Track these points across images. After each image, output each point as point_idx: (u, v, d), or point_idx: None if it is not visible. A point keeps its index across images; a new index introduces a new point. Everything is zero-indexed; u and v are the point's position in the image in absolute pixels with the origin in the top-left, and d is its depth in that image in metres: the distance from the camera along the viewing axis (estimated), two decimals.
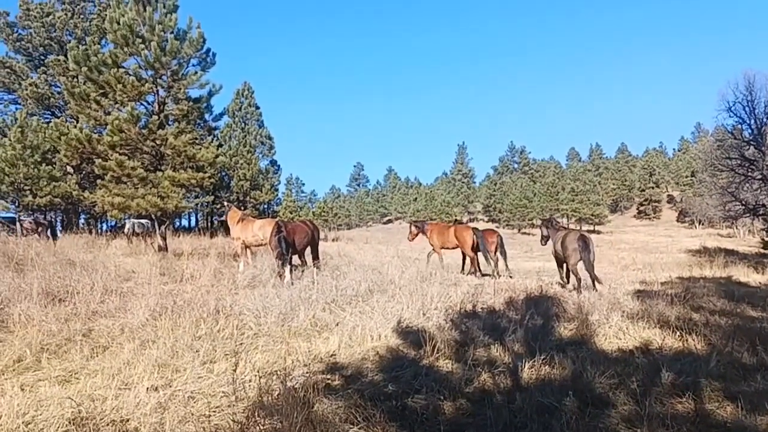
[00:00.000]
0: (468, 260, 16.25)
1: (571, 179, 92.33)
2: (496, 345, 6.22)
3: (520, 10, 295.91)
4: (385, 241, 40.94)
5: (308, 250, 13.78)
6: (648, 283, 12.50)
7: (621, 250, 38.20)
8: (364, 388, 4.80)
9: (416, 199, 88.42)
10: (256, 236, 13.90)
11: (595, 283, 11.20)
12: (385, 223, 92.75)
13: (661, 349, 6.27)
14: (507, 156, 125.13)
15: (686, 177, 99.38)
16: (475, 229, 16.09)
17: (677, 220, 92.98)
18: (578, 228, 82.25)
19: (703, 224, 79.94)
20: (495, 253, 16.06)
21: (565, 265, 12.27)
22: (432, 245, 17.11)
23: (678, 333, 6.78)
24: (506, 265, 15.52)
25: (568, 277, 12.32)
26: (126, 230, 23.22)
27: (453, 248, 16.69)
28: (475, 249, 15.62)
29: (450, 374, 5.26)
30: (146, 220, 23.02)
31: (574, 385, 4.80)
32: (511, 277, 14.21)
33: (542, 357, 5.49)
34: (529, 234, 74.30)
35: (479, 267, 15.67)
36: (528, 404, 4.37)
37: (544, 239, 13.59)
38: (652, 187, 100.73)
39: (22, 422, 3.88)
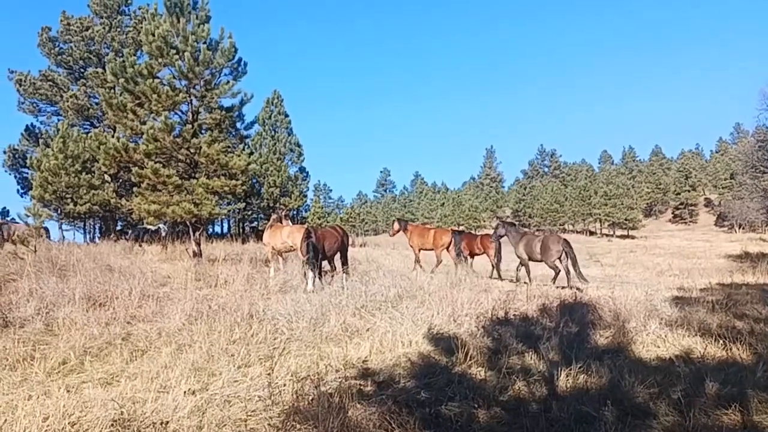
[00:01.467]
0: (452, 261, 17.31)
1: (604, 183, 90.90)
2: (530, 353, 6.18)
3: (551, 10, 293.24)
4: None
5: (338, 255, 13.89)
6: (686, 289, 12.23)
7: (656, 255, 37.44)
8: (397, 394, 4.82)
9: (443, 204, 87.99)
10: (285, 242, 14.12)
11: (581, 279, 12.86)
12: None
13: (703, 358, 6.12)
14: (537, 159, 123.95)
15: (725, 180, 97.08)
16: (454, 233, 17.30)
17: (715, 224, 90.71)
18: (613, 233, 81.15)
19: (743, 228, 77.76)
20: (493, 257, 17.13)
21: (527, 264, 14.08)
22: (411, 246, 18.04)
23: (721, 341, 6.61)
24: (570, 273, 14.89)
25: (529, 274, 14.12)
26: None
27: (430, 249, 17.78)
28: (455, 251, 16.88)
29: (483, 382, 5.23)
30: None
31: (613, 394, 4.74)
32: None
33: (578, 365, 5.41)
34: None
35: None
36: (565, 413, 4.34)
37: (498, 237, 15.14)
38: (688, 191, 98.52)
39: (68, 423, 4.02)
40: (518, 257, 14.62)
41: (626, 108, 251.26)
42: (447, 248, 17.08)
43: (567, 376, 5.26)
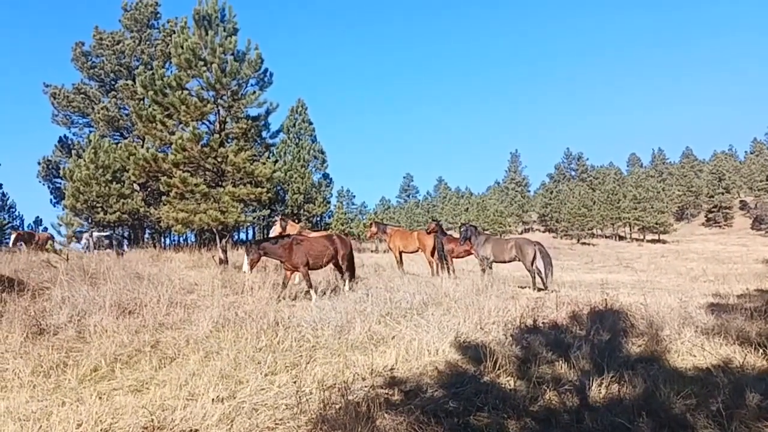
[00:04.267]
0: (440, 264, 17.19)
1: (633, 186, 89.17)
2: (561, 361, 6.06)
3: (579, 12, 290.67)
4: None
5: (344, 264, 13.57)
6: (722, 295, 11.85)
7: (689, 260, 36.70)
8: (425, 403, 4.78)
9: (468, 209, 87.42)
10: None
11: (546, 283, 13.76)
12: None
13: (742, 367, 5.90)
14: (563, 163, 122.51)
15: (761, 181, 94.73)
16: (436, 235, 17.21)
17: (752, 228, 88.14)
18: (643, 237, 79.86)
19: None
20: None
21: (489, 264, 14.66)
22: (391, 248, 18.14)
23: (761, 350, 6.38)
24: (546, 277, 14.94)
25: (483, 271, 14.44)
26: (83, 243, 22.10)
27: (413, 252, 18.04)
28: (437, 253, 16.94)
29: (513, 392, 5.15)
30: (110, 231, 23.31)
31: (647, 405, 4.62)
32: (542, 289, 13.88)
33: (611, 374, 5.30)
34: (589, 244, 72.46)
35: (439, 271, 16.52)
36: (598, 424, 4.26)
37: (465, 240, 15.36)
38: (722, 193, 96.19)
39: (101, 429, 4.11)
40: (481, 258, 14.93)
41: (655, 110, 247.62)
42: (432, 251, 17.25)
43: (599, 385, 5.15)
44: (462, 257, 17.51)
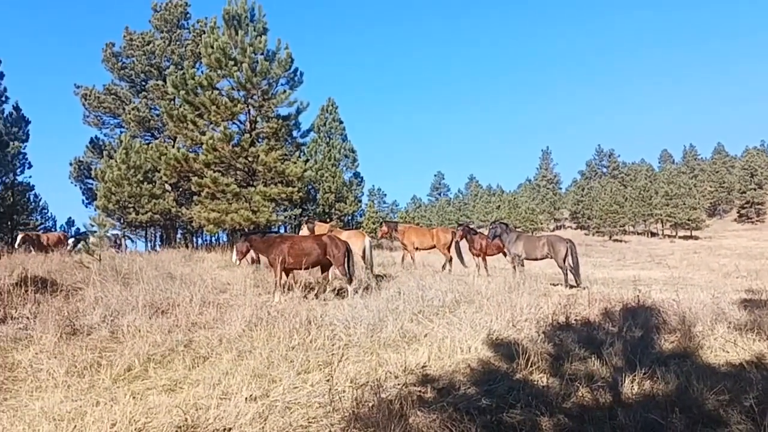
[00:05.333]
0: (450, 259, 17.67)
1: (665, 182, 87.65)
2: (593, 358, 5.99)
3: (606, 8, 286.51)
4: (467, 250, 40.78)
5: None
6: (755, 291, 11.69)
7: (721, 257, 35.90)
8: (458, 401, 4.75)
9: (499, 206, 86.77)
10: None
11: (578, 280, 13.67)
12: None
13: None
14: (594, 160, 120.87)
15: None
16: (453, 231, 17.69)
17: None
18: (675, 234, 78.44)
19: None
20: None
21: (520, 262, 14.63)
22: (405, 244, 18.21)
23: None
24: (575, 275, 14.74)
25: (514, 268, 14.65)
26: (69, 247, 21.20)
27: (429, 248, 18.27)
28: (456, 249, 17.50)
29: (546, 389, 5.11)
30: (113, 234, 23.24)
31: (681, 401, 4.57)
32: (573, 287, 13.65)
33: (643, 371, 5.27)
34: (621, 241, 71.50)
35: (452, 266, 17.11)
36: (631, 421, 4.19)
37: (494, 237, 15.36)
38: (755, 189, 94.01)
39: (135, 429, 4.11)
40: (513, 256, 14.87)
41: (686, 106, 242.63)
42: (448, 247, 17.56)
43: (632, 382, 5.12)
44: (493, 255, 17.41)
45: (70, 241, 21.02)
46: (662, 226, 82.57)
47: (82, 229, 24.76)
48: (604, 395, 4.93)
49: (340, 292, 11.68)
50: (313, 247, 11.33)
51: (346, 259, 11.47)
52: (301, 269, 11.62)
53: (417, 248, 18.13)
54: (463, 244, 17.55)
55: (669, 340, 7.09)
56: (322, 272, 12.27)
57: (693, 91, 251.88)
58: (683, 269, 25.03)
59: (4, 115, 37.66)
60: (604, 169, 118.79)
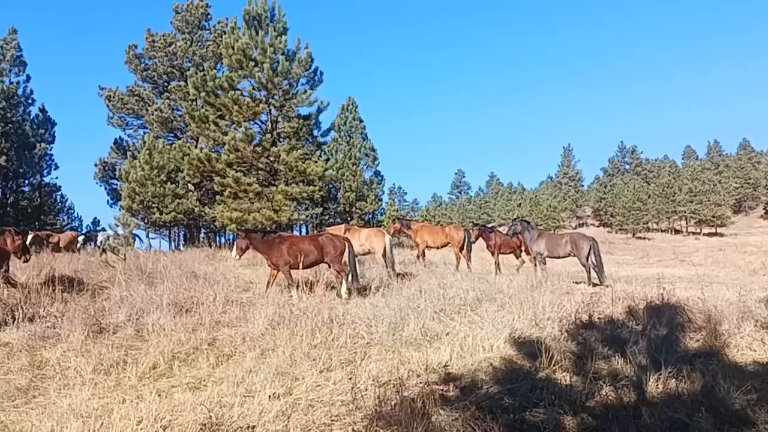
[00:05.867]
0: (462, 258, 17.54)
1: (689, 179, 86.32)
2: (617, 357, 5.94)
3: (627, 3, 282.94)
4: (484, 248, 40.82)
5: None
6: None
7: (748, 254, 35.22)
8: (480, 400, 4.74)
9: (520, 204, 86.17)
10: (363, 246, 14.35)
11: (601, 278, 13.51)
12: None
13: None
14: (617, 157, 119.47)
15: None
16: (466, 229, 17.70)
17: None
18: (699, 231, 77.27)
19: None
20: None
21: (542, 260, 14.46)
22: (417, 242, 18.08)
23: None
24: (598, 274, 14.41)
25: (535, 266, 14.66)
26: (99, 242, 21.80)
27: (442, 247, 18.12)
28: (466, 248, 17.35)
29: (569, 387, 5.08)
30: (123, 232, 23.41)
31: (707, 401, 4.51)
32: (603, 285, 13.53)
33: (668, 370, 5.20)
34: (644, 239, 70.68)
35: (468, 265, 16.97)
36: (656, 420, 4.15)
37: (515, 233, 15.37)
38: None
39: (160, 426, 4.17)
40: (535, 254, 14.75)
41: (711, 101, 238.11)
42: (462, 245, 17.49)
43: (657, 381, 5.07)
44: (507, 254, 17.33)
45: (80, 238, 21.30)
46: (686, 223, 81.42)
47: (108, 230, 25.06)
48: (629, 394, 4.88)
49: (361, 291, 11.71)
50: (310, 248, 11.45)
51: (341, 260, 11.55)
52: (299, 269, 11.70)
53: (429, 246, 18.09)
54: (479, 243, 17.51)
55: (694, 339, 7.02)
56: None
57: (718, 86, 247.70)
58: (708, 267, 24.70)
59: (31, 117, 38.36)
60: (627, 166, 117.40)
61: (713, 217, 75.92)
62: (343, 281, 11.31)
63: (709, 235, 75.33)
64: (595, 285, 13.12)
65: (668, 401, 4.63)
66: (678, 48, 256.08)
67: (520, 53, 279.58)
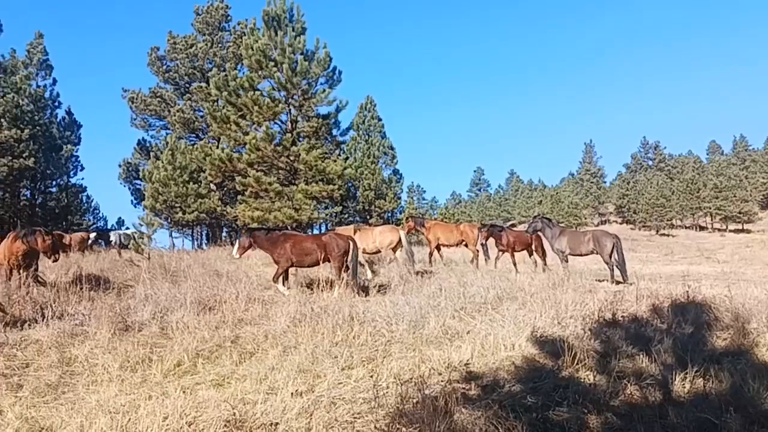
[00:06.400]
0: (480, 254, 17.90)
1: (714, 174, 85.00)
2: (642, 356, 5.86)
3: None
4: (494, 246, 40.66)
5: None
6: None
7: None
8: (503, 398, 4.72)
9: (541, 201, 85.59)
10: (376, 243, 14.54)
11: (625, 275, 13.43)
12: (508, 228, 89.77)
13: None
14: (640, 152, 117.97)
15: None
16: (480, 227, 17.77)
17: None
18: (725, 227, 76.03)
19: None
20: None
21: (564, 258, 14.45)
22: (429, 240, 18.19)
23: None
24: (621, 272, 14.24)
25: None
26: (112, 242, 22.28)
27: (456, 244, 18.38)
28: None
29: (593, 386, 5.04)
30: (133, 231, 23.55)
31: (735, 401, 4.44)
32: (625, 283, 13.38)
33: (695, 369, 5.14)
34: (668, 235, 69.78)
35: (482, 263, 17.32)
36: (683, 420, 4.11)
37: (535, 231, 15.36)
38: None
39: (186, 422, 4.22)
40: (556, 251, 14.67)
41: (736, 96, 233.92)
42: (476, 243, 17.67)
43: (683, 380, 5.01)
44: (520, 251, 17.24)
45: (92, 235, 21.59)
46: (711, 220, 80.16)
47: (132, 229, 25.43)
48: (654, 393, 4.83)
49: (381, 289, 11.73)
50: (313, 247, 11.54)
51: (344, 260, 11.56)
52: (303, 267, 11.93)
53: (443, 244, 18.15)
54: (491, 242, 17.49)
55: (721, 338, 6.91)
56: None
57: (743, 79, 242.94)
58: (735, 264, 24.30)
59: (58, 119, 39.05)
60: (650, 162, 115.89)
61: (740, 213, 74.61)
62: (344, 281, 11.29)
63: (736, 231, 74.14)
64: (618, 283, 13.02)
65: (695, 401, 4.57)
66: (703, 41, 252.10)
67: (540, 49, 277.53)
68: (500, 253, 17.33)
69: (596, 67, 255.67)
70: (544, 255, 17.10)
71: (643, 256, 32.56)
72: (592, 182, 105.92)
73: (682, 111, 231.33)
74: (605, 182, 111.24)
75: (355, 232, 15.03)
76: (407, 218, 20.19)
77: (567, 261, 14.38)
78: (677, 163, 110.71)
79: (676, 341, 6.36)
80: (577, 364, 5.64)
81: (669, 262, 28.42)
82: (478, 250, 17.66)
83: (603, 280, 13.44)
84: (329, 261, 11.70)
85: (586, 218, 77.50)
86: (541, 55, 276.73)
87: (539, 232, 15.21)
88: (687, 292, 9.79)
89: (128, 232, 23.27)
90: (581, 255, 14.60)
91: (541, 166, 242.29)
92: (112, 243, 21.88)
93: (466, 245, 18.22)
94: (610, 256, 13.62)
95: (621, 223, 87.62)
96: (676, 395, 4.79)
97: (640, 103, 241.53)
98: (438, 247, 18.23)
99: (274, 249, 11.48)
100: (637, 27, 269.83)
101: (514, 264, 16.51)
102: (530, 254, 17.49)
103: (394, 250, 15.18)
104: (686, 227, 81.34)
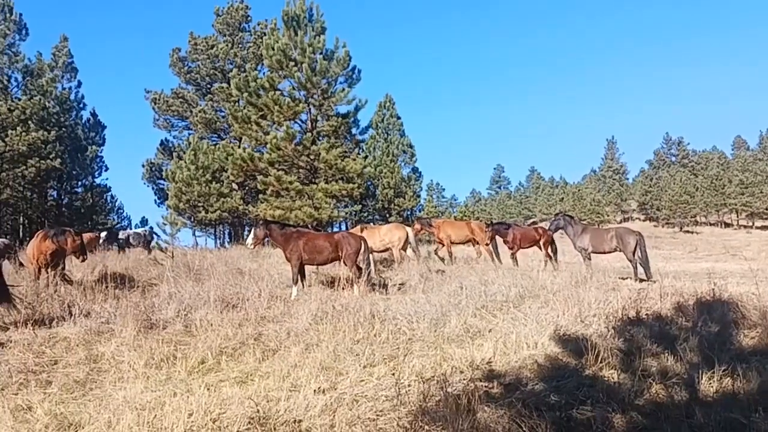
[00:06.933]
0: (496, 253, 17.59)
1: (739, 170, 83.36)
2: (667, 354, 5.80)
3: None
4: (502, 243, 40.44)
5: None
6: None
7: None
8: (526, 397, 4.71)
9: (563, 199, 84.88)
10: (383, 241, 14.85)
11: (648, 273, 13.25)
12: (528, 226, 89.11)
13: None
14: (663, 149, 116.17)
15: None
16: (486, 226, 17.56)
17: None
18: (751, 224, 74.74)
19: None
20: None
21: (587, 256, 14.29)
22: (440, 239, 18.01)
23: None
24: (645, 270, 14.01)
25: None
26: (121, 241, 22.20)
27: (465, 242, 18.42)
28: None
29: (617, 385, 5.01)
30: (143, 230, 23.65)
31: (764, 400, 4.36)
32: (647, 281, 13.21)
33: (722, 368, 5.06)
34: (692, 232, 68.82)
35: (497, 258, 17.18)
36: (710, 420, 4.04)
37: (557, 228, 15.20)
38: None
39: (210, 419, 4.28)
40: (579, 249, 14.55)
41: (762, 90, 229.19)
42: (486, 242, 17.47)
43: (710, 379, 4.94)
44: (528, 247, 17.11)
45: (102, 234, 21.85)
46: (737, 216, 78.90)
47: (142, 229, 25.81)
48: (680, 392, 4.78)
49: (401, 287, 11.75)
50: (325, 245, 11.59)
51: (356, 259, 11.61)
52: (314, 265, 12.00)
53: (453, 242, 18.08)
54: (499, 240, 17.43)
55: (749, 336, 6.79)
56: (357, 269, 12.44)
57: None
58: (762, 261, 23.83)
59: (83, 121, 39.72)
60: (673, 158, 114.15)
61: (766, 209, 73.25)
62: (361, 280, 11.35)
63: (762, 228, 72.86)
64: (641, 281, 12.88)
65: (723, 401, 4.51)
66: (727, 35, 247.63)
67: (559, 43, 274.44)
68: (510, 250, 17.20)
69: (618, 62, 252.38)
70: (554, 251, 16.99)
71: (667, 253, 32.14)
72: (614, 179, 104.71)
73: (707, 106, 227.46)
74: (628, 179, 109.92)
75: (361, 231, 15.09)
76: (412, 222, 20.21)
77: (590, 259, 14.26)
78: (701, 159, 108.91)
79: (702, 340, 6.26)
80: (601, 362, 5.60)
81: (693, 259, 28.04)
82: (489, 249, 17.55)
83: (626, 278, 13.30)
84: (340, 259, 11.76)
85: (608, 215, 76.75)
86: (563, 50, 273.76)
87: (561, 230, 15.08)
88: (713, 289, 9.62)
89: (138, 231, 23.59)
90: (604, 253, 14.48)
91: (562, 163, 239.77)
92: (121, 242, 22.06)
93: (477, 243, 18.18)
94: (634, 254, 13.48)
95: (644, 220, 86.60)
96: (702, 395, 4.73)
97: (663, 98, 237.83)
98: (445, 244, 18.15)
99: (287, 245, 11.54)
100: (660, 22, 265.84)
101: (515, 260, 16.40)
102: (540, 249, 17.33)
103: (403, 248, 15.23)
104: (711, 224, 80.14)
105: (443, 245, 17.91)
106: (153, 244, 22.47)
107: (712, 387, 4.86)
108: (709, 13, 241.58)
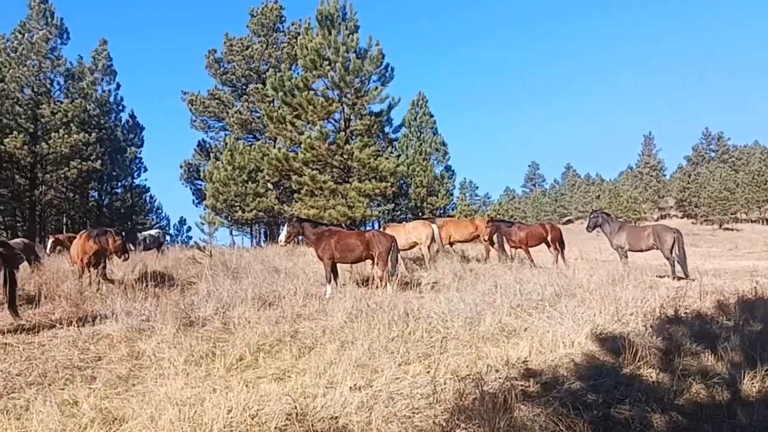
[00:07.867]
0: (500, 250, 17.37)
1: None
2: (707, 353, 5.70)
3: None
4: (565, 241, 39.77)
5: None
6: None
7: None
8: (563, 395, 4.68)
9: (599, 196, 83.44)
10: (409, 238, 14.98)
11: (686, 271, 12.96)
12: (564, 224, 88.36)
13: None
14: (701, 144, 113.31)
15: None
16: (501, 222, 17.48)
17: None
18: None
19: None
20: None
21: (624, 253, 14.03)
22: (441, 237, 17.56)
23: None
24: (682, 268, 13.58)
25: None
26: (139, 242, 22.34)
27: (470, 240, 18.31)
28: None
29: (656, 384, 4.95)
30: (156, 232, 23.75)
31: None
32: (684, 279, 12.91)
33: (765, 367, 4.95)
34: (732, 230, 66.97)
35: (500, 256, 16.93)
36: (753, 420, 3.99)
37: (595, 226, 14.95)
38: None
39: (249, 415, 4.35)
40: (616, 247, 14.33)
41: None
42: (485, 237, 17.35)
43: (752, 379, 4.83)
44: (535, 246, 16.85)
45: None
46: None
47: (193, 227, 26.29)
48: (721, 392, 4.70)
49: (434, 286, 11.75)
50: (356, 244, 11.65)
51: (387, 257, 11.61)
52: (346, 263, 12.07)
53: (457, 240, 18.09)
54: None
55: None
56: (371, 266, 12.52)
57: None
58: None
59: (122, 122, 40.67)
60: (713, 154, 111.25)
61: None
62: (391, 278, 11.37)
63: None
64: (679, 279, 12.66)
65: (766, 401, 4.43)
66: (763, 26, 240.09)
67: (595, 38, 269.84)
68: (513, 249, 16.95)
69: (655, 56, 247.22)
70: (562, 248, 16.78)
71: (706, 251, 31.42)
72: (651, 176, 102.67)
73: (748, 100, 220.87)
74: (665, 175, 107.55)
75: (384, 229, 15.18)
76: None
77: (626, 257, 14.04)
78: (742, 154, 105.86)
79: (745, 339, 6.15)
80: (639, 361, 5.54)
81: (734, 257, 27.32)
82: (488, 246, 17.56)
83: (664, 276, 13.09)
84: (372, 258, 11.84)
85: (645, 213, 75.21)
86: (598, 45, 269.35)
87: (598, 228, 14.88)
88: (755, 287, 9.45)
89: (152, 233, 23.97)
90: (641, 250, 14.25)
91: (598, 159, 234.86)
92: (139, 243, 22.18)
93: (484, 240, 17.91)
94: (671, 252, 13.23)
95: (682, 218, 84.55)
96: (744, 395, 4.64)
97: (702, 92, 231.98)
98: (451, 244, 18.16)
99: (318, 243, 11.66)
100: (697, 16, 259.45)
101: (530, 259, 16.14)
102: (548, 246, 16.99)
103: (429, 246, 15.23)
104: (752, 221, 77.85)
105: (443, 244, 17.89)
106: (163, 246, 22.67)
107: (754, 387, 4.76)
108: (743, 5, 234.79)
